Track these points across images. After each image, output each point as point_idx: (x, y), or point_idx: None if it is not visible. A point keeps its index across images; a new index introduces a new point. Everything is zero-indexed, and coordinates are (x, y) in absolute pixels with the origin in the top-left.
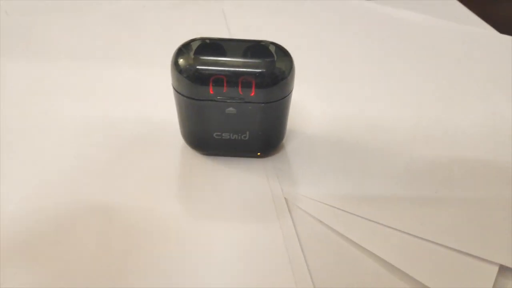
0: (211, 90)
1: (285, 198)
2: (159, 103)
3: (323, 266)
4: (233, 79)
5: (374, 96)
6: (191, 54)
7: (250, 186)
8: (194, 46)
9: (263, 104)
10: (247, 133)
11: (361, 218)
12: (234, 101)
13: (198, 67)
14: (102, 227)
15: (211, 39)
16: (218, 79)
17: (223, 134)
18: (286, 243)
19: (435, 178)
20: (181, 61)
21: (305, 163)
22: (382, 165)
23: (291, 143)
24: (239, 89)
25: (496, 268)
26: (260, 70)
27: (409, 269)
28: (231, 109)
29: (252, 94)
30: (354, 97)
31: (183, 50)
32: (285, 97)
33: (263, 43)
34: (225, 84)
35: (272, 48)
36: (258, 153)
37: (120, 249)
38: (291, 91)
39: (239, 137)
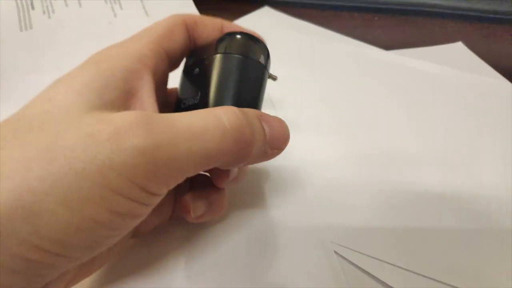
0: None
1: (335, 251)
2: None
3: None
4: None
5: (395, 149)
6: None
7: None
8: None
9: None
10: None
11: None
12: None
13: None
14: None
15: None
16: None
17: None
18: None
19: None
20: None
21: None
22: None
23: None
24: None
25: None
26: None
27: None
28: (196, 70)
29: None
30: (375, 150)
31: None
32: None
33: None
34: None
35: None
36: None
37: None
38: (263, 70)
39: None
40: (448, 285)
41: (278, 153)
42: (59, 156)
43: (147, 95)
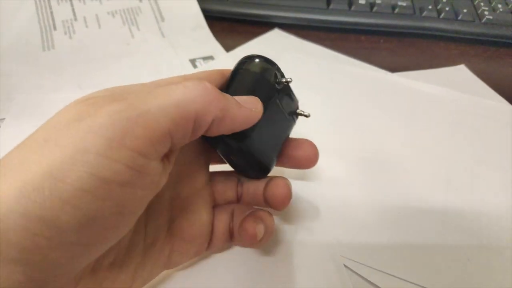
0: None
1: (344, 265)
2: None
3: None
4: None
5: (401, 169)
6: None
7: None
8: None
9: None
10: None
11: None
12: None
13: None
14: None
15: None
16: None
17: None
18: None
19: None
20: None
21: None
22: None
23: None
24: None
25: None
26: None
27: None
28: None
29: None
30: (380, 171)
31: None
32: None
33: None
34: None
35: None
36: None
37: None
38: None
39: None
40: None
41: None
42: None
43: None
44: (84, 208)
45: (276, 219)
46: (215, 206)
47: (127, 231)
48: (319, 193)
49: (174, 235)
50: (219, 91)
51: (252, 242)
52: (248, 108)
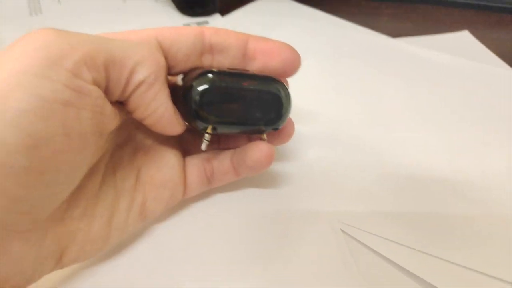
0: None
1: (341, 229)
2: None
3: None
4: None
5: (403, 135)
6: None
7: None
8: None
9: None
10: None
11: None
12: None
13: None
14: None
15: None
16: None
17: None
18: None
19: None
20: None
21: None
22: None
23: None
24: None
25: None
26: None
27: None
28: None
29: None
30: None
31: None
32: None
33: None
34: None
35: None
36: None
37: None
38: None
39: None
40: (450, 262)
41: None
42: None
43: None
44: (29, 129)
45: (273, 185)
46: (187, 155)
47: (82, 162)
48: (317, 158)
49: (144, 181)
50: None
51: (269, 161)
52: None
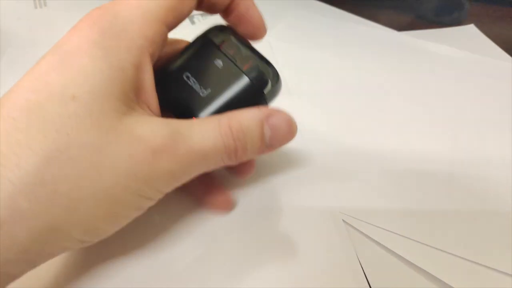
0: None
1: (343, 220)
2: None
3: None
4: None
5: (406, 128)
6: None
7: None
8: None
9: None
10: (208, 90)
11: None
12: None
13: None
14: None
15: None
16: None
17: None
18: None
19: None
20: None
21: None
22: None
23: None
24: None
25: None
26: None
27: None
28: (219, 62)
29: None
30: (391, 129)
31: None
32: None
33: None
34: None
35: None
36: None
37: None
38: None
39: (200, 90)
40: (450, 254)
41: (279, 147)
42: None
43: (150, 88)
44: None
45: (275, 176)
46: None
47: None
48: (319, 150)
49: None
50: (248, 147)
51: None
52: (274, 148)
